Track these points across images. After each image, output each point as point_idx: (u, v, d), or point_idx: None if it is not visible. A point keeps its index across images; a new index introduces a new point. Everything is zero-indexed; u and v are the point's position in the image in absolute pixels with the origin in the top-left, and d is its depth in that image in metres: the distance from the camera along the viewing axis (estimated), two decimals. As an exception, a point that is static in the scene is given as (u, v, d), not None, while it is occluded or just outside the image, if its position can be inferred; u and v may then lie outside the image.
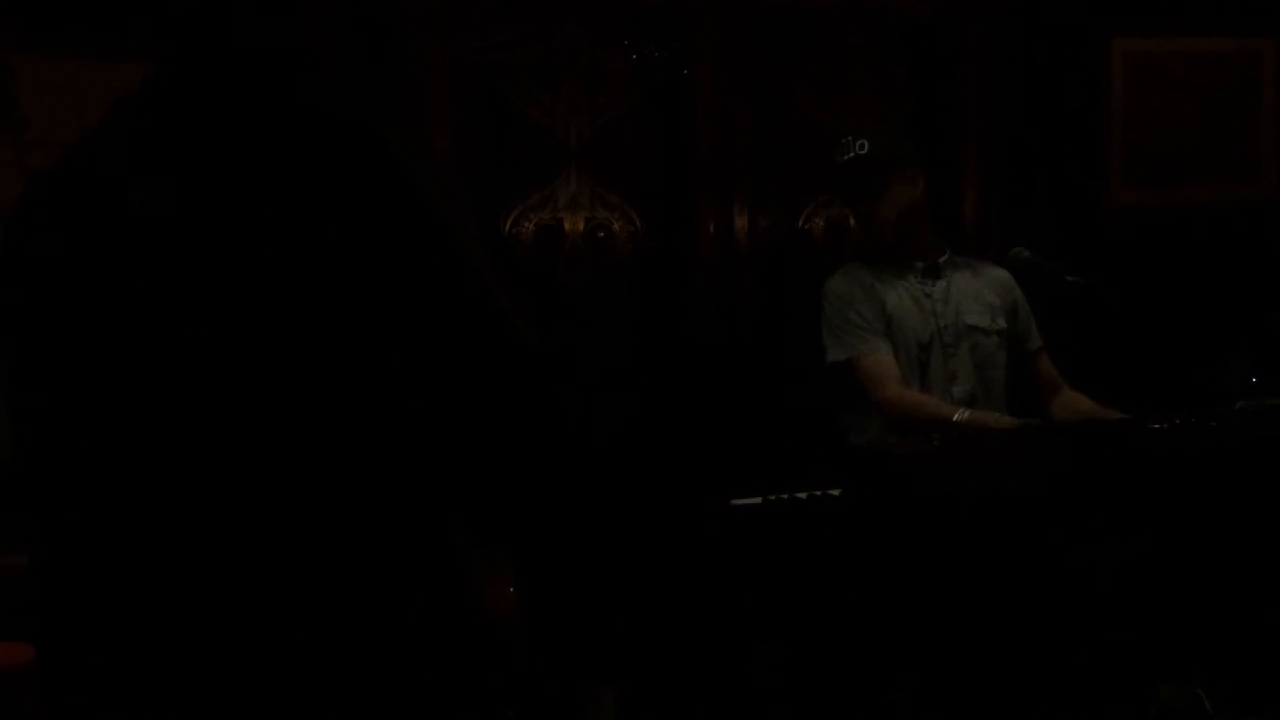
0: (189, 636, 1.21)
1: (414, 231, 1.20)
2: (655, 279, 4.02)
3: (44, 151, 3.32)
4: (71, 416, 1.25)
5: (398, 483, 1.22)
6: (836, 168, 3.40)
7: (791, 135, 4.10)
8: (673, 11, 3.97)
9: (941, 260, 3.41)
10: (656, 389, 3.97)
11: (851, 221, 3.88)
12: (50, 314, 1.26)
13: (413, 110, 3.67)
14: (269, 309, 1.18)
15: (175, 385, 1.20)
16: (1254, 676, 2.78)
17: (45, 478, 1.28)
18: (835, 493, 2.85)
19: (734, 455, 3.82)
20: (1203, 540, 2.75)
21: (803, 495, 2.89)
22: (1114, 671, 2.68)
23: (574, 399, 1.28)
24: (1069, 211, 4.32)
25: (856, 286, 3.36)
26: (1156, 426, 2.85)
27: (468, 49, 3.78)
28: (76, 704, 1.27)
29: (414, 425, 1.20)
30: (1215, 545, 2.76)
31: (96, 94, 3.34)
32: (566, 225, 3.91)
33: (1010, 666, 2.62)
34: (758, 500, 2.91)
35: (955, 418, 3.11)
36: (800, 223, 4.15)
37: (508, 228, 3.87)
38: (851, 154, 3.35)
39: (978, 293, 3.41)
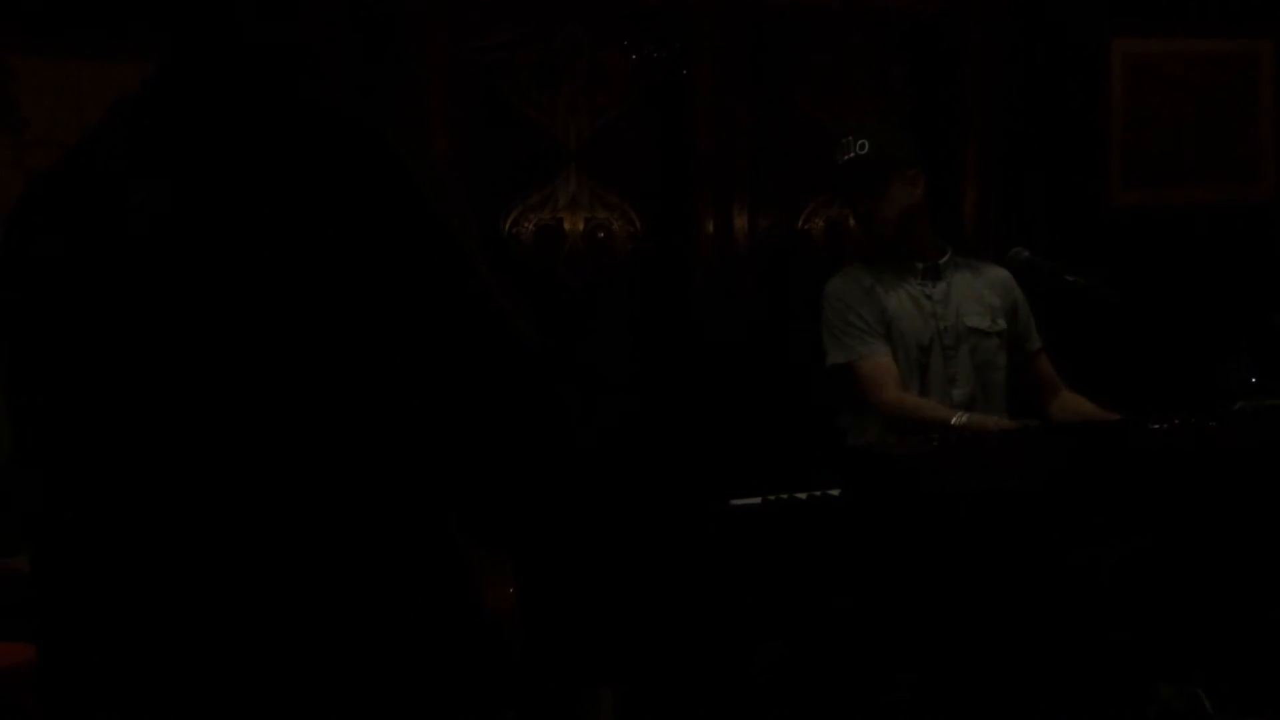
0: (189, 637, 1.21)
1: (414, 232, 1.20)
2: (655, 279, 4.02)
3: (44, 151, 3.32)
4: (71, 417, 1.25)
5: (398, 483, 1.22)
6: (836, 168, 3.40)
7: (791, 135, 4.10)
8: (673, 11, 3.97)
9: (942, 261, 3.41)
10: (656, 389, 3.97)
11: (851, 222, 3.88)
12: (50, 314, 1.26)
13: (413, 110, 3.67)
14: (268, 309, 1.18)
15: (175, 385, 1.20)
16: (1254, 676, 2.78)
17: (45, 478, 1.28)
18: (835, 493, 2.85)
19: (734, 455, 3.82)
20: (1202, 540, 2.75)
21: (802, 495, 2.89)
22: (1114, 671, 2.68)
23: (574, 399, 1.28)
24: (1069, 212, 4.32)
25: (856, 288, 3.36)
26: (1156, 427, 2.85)
27: (468, 49, 3.78)
28: (76, 704, 1.27)
29: (414, 425, 1.20)
30: (1215, 545, 2.76)
31: (96, 94, 3.34)
32: (566, 225, 3.91)
33: (1010, 666, 2.62)
34: (757, 500, 2.91)
35: (954, 421, 3.10)
36: (800, 223, 4.15)
37: (507, 228, 3.87)
38: (852, 154, 3.35)
39: (978, 293, 3.40)
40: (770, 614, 2.89)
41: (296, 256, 1.18)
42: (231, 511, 1.20)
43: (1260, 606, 2.79)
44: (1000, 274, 3.46)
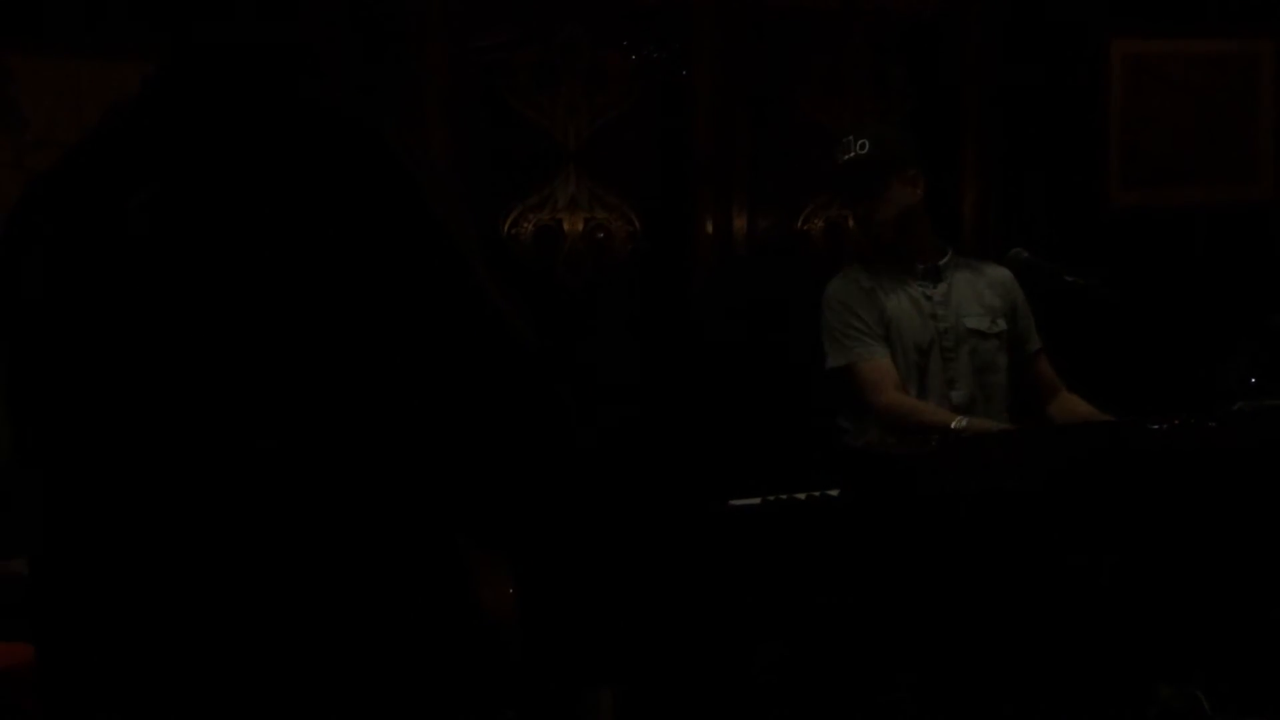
0: (188, 637, 1.21)
1: (412, 233, 1.20)
2: (654, 280, 4.02)
3: (44, 152, 3.32)
4: (71, 417, 1.25)
5: (397, 483, 1.22)
6: (836, 168, 3.39)
7: (791, 135, 4.09)
8: (673, 11, 3.96)
9: (942, 262, 3.40)
10: (655, 389, 3.97)
11: (850, 223, 3.88)
12: (50, 314, 1.26)
13: (412, 110, 3.67)
14: (268, 309, 1.18)
15: (175, 386, 1.20)
16: (1254, 676, 2.79)
17: (45, 478, 1.28)
18: (834, 493, 2.85)
19: (733, 456, 3.82)
20: (1202, 541, 2.75)
21: (802, 496, 2.89)
22: (1114, 671, 2.68)
23: (572, 399, 1.28)
24: (1068, 212, 4.32)
25: (856, 290, 3.35)
26: (1155, 427, 2.85)
27: (468, 49, 3.78)
28: (76, 704, 1.27)
29: (413, 426, 1.20)
30: (1215, 546, 2.76)
31: (96, 94, 3.34)
32: (565, 226, 3.91)
33: (1010, 667, 2.62)
34: (757, 501, 2.91)
35: (954, 426, 3.09)
36: (799, 223, 4.15)
37: (507, 228, 3.87)
38: (852, 154, 3.34)
39: (979, 294, 3.39)
40: (770, 614, 2.89)
41: (296, 256, 1.18)
42: (230, 512, 1.20)
43: (1260, 606, 2.79)
44: (1001, 273, 3.45)
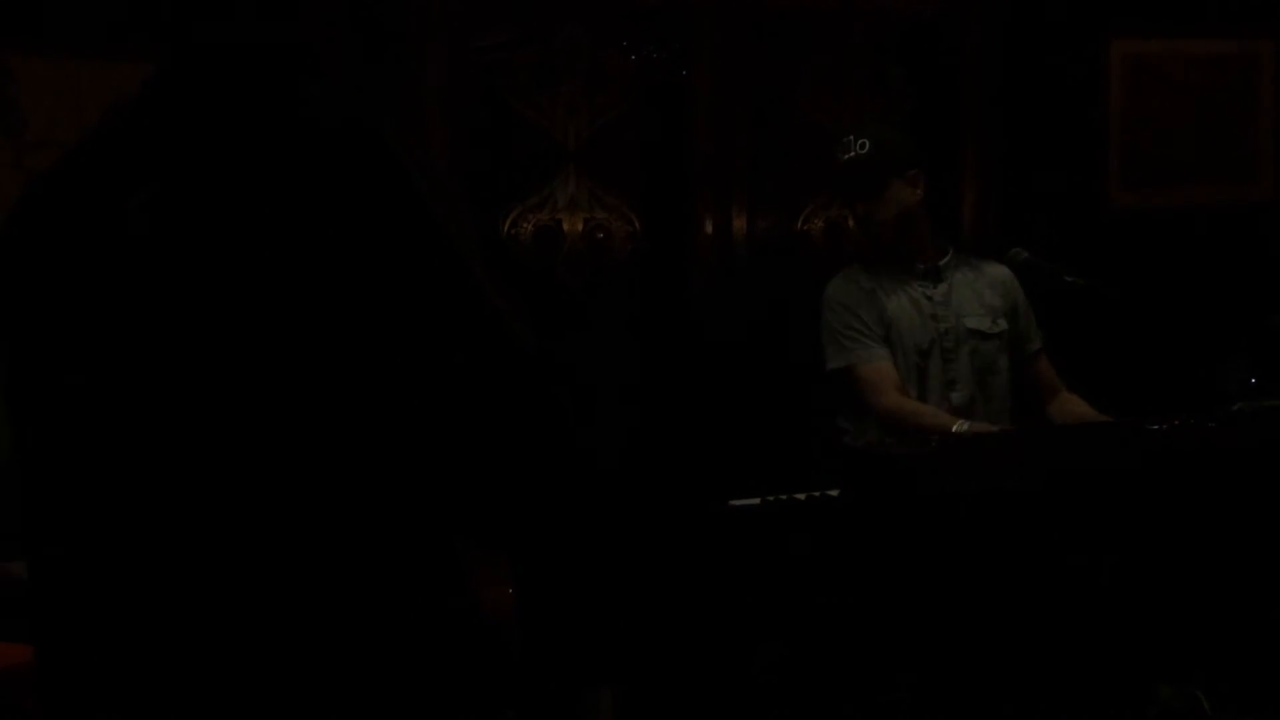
0: (188, 637, 1.21)
1: (411, 234, 1.20)
2: (654, 280, 4.02)
3: (44, 152, 3.32)
4: (72, 417, 1.25)
5: (396, 484, 1.22)
6: (836, 168, 3.38)
7: (791, 135, 4.10)
8: (672, 11, 3.97)
9: (943, 263, 3.39)
10: (655, 390, 3.97)
11: (850, 223, 3.88)
12: (50, 315, 1.26)
13: (412, 110, 3.67)
14: (268, 309, 1.18)
15: (174, 386, 1.20)
16: (1254, 676, 2.78)
17: (45, 478, 1.28)
18: (834, 494, 2.85)
19: (733, 456, 3.82)
20: (1202, 541, 2.75)
21: (801, 496, 2.89)
22: (1114, 671, 2.68)
23: (572, 400, 1.28)
24: (1068, 212, 4.32)
25: (856, 291, 3.34)
26: (1155, 428, 2.85)
27: (468, 49, 3.78)
28: (76, 705, 1.27)
29: (412, 427, 1.20)
30: (1214, 546, 2.76)
31: (96, 94, 3.34)
32: (565, 226, 3.91)
33: (1010, 667, 2.62)
34: (757, 501, 2.91)
35: (954, 429, 3.09)
36: (799, 224, 4.15)
37: (506, 229, 3.87)
38: (852, 154, 3.33)
39: (979, 294, 3.39)
40: (770, 614, 2.89)
41: (295, 256, 1.18)
42: (230, 513, 1.20)
43: (1260, 607, 2.79)
44: (1002, 273, 3.44)
